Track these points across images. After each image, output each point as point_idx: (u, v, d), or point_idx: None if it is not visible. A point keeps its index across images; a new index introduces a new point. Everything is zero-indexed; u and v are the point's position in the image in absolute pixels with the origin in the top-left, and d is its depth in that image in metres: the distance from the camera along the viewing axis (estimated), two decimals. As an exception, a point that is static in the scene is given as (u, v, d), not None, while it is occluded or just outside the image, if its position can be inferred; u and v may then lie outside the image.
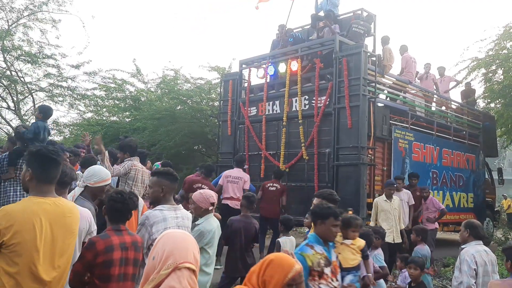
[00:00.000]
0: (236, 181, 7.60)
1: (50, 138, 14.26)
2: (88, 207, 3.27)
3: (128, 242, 2.79)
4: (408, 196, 7.99)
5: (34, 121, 6.50)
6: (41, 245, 2.33)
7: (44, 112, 5.98)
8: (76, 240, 2.60)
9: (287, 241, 5.52)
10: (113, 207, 2.88)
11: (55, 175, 2.52)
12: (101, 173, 3.60)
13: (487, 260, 4.07)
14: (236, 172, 7.77)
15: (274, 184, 8.07)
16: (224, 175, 7.88)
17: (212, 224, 3.99)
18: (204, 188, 7.02)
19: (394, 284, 5.65)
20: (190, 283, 1.59)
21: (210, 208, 3.96)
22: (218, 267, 6.82)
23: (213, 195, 4.06)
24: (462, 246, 4.22)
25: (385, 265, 5.12)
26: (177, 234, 1.75)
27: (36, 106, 14.18)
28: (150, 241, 3.04)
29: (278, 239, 5.61)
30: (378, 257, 5.08)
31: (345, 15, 10.28)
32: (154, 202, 3.35)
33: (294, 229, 9.39)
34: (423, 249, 5.59)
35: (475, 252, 4.03)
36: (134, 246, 2.81)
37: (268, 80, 9.73)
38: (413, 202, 8.02)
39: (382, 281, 4.84)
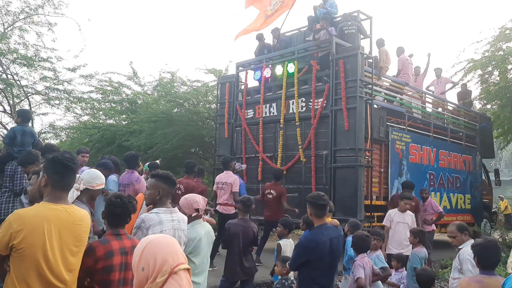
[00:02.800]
0: (223, 187, 7.48)
1: (47, 141, 14.17)
2: (85, 209, 3.26)
3: (128, 246, 2.76)
4: (412, 220, 6.74)
5: (29, 124, 6.52)
6: (51, 250, 2.37)
7: (22, 116, 6.02)
8: (85, 247, 2.61)
9: (287, 244, 5.52)
10: (113, 211, 2.84)
11: (70, 182, 2.61)
12: (102, 176, 3.59)
13: None
14: (224, 176, 7.58)
15: (271, 191, 7.89)
16: (215, 181, 7.84)
17: (197, 231, 3.68)
18: (181, 188, 7.00)
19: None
20: (187, 284, 1.61)
21: (194, 214, 3.69)
22: (210, 268, 6.84)
23: (197, 200, 3.75)
24: (460, 247, 4.21)
25: (387, 265, 5.13)
26: (161, 240, 1.72)
27: (32, 109, 14.15)
28: None
29: (279, 241, 5.59)
30: (379, 257, 5.09)
31: (339, 18, 10.28)
32: (150, 204, 3.32)
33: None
34: (420, 252, 5.58)
35: None
36: (133, 251, 2.78)
37: (264, 82, 9.72)
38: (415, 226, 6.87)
39: (379, 282, 4.83)
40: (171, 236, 1.81)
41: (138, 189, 5.88)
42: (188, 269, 1.63)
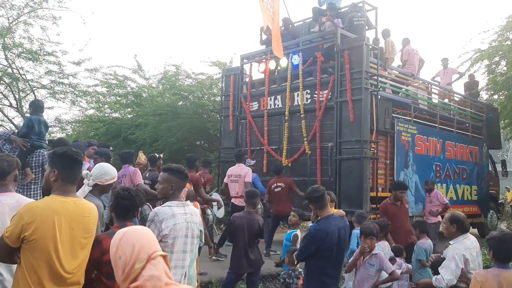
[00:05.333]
0: (236, 179, 7.53)
1: (53, 135, 14.20)
2: (96, 203, 3.30)
3: None
4: None
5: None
6: (61, 242, 2.41)
7: (34, 107, 6.02)
8: (93, 239, 2.64)
9: (299, 234, 5.56)
10: (120, 204, 2.87)
11: (78, 176, 2.66)
12: (111, 171, 3.63)
13: (477, 252, 3.97)
14: (236, 169, 7.65)
15: (278, 184, 7.94)
16: (227, 173, 7.86)
17: None
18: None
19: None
20: (166, 269, 1.64)
21: None
22: (215, 258, 7.03)
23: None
24: (450, 242, 4.01)
25: (392, 255, 5.16)
26: (137, 229, 1.75)
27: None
28: (160, 237, 3.03)
29: (295, 231, 5.62)
30: (384, 249, 5.09)
31: (346, 8, 10.20)
32: (162, 198, 3.35)
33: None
34: (425, 243, 5.55)
35: (465, 250, 3.87)
36: None
37: (269, 75, 9.68)
38: None
39: (383, 272, 4.84)
40: (147, 228, 1.83)
41: (134, 179, 6.02)
42: (164, 256, 1.66)
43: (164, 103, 14.46)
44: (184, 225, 3.14)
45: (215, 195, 7.57)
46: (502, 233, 3.36)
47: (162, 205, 3.24)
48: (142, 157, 7.65)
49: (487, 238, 3.43)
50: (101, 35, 56.58)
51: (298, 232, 5.58)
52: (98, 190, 3.52)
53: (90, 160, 6.20)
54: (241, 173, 7.46)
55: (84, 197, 3.38)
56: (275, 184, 7.96)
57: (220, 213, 7.28)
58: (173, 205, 3.18)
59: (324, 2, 10.19)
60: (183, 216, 3.17)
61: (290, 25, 10.14)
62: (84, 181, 3.55)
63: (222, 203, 7.48)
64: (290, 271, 4.75)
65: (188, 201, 3.42)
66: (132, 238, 1.66)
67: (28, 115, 6.37)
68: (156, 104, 14.36)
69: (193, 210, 3.33)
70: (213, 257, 7.19)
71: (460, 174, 10.78)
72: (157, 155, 7.29)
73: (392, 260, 5.20)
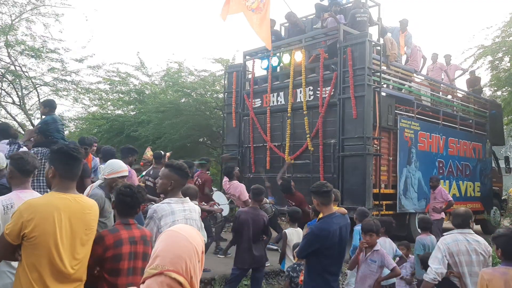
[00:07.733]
0: (233, 198, 7.52)
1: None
2: (96, 192, 3.47)
3: (137, 236, 2.79)
4: None
5: (39, 115, 6.54)
6: (61, 239, 2.40)
7: (49, 106, 6.12)
8: (94, 235, 2.65)
9: (293, 232, 5.57)
10: (122, 201, 2.87)
11: (77, 172, 2.62)
12: (114, 165, 3.73)
13: (470, 249, 3.82)
14: (230, 188, 7.47)
15: (290, 201, 7.77)
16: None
17: None
18: None
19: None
20: None
21: None
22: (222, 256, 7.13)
23: None
24: (443, 234, 3.99)
25: (401, 254, 5.18)
26: (179, 236, 1.54)
27: (41, 100, 14.21)
28: (159, 234, 3.04)
29: (285, 230, 5.64)
30: (385, 245, 5.09)
31: (349, 4, 10.17)
32: (161, 193, 3.38)
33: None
34: (424, 239, 5.52)
35: (452, 241, 3.81)
36: (143, 240, 2.81)
37: (272, 71, 9.67)
38: None
39: (385, 269, 4.84)
40: (200, 243, 1.60)
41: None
42: (180, 283, 1.45)
43: (167, 100, 14.47)
44: (183, 221, 3.14)
45: (217, 194, 7.52)
46: (509, 231, 3.32)
47: (161, 202, 3.25)
48: (148, 153, 7.71)
49: (494, 236, 3.38)
50: (104, 32, 56.57)
51: (288, 230, 5.59)
52: (106, 184, 3.62)
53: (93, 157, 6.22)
54: (235, 193, 7.34)
55: (91, 189, 3.53)
56: (288, 201, 7.92)
57: (225, 211, 7.26)
58: (172, 202, 3.20)
59: (324, -1, 10.14)
60: (182, 213, 3.18)
61: (295, 20, 9.98)
62: (99, 176, 3.71)
63: (225, 200, 7.44)
64: (295, 265, 4.77)
65: (187, 197, 3.42)
66: (164, 240, 1.53)
67: (31, 112, 6.44)
68: (159, 101, 14.37)
69: (192, 206, 3.34)
70: (219, 255, 7.20)
71: (463, 170, 10.77)
72: (162, 152, 7.29)
73: (402, 259, 5.20)
